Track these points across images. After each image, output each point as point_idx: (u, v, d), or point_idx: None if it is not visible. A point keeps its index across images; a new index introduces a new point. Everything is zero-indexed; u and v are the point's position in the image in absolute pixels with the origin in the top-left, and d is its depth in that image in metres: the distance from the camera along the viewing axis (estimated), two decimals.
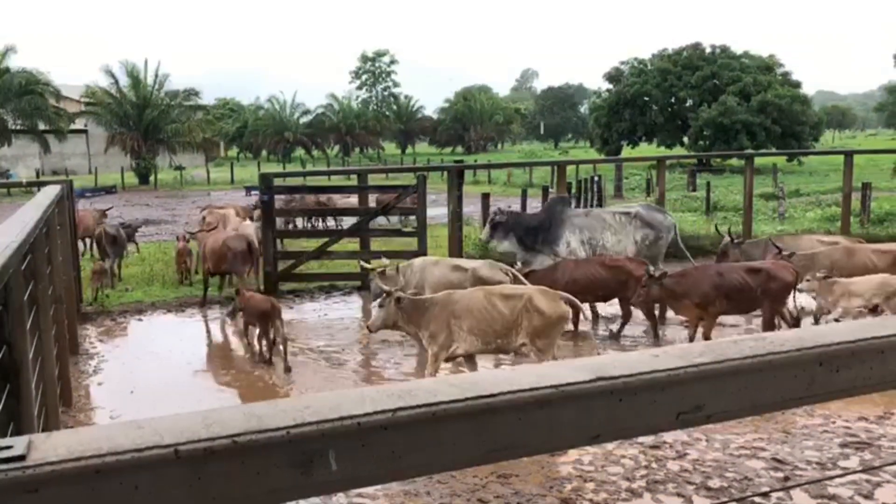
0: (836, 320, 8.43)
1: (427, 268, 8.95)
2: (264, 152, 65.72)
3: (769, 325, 8.17)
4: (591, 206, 23.30)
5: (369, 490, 4.85)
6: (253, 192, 26.12)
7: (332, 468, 0.99)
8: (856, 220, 16.18)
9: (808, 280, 8.48)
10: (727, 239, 10.35)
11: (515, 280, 8.46)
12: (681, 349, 1.27)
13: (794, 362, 1.25)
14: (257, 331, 8.38)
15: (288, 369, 8.00)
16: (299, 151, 65.40)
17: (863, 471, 5.12)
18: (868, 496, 4.90)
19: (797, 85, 44.71)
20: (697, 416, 1.20)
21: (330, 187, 18.12)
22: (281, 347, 8.18)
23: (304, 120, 67.21)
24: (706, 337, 8.10)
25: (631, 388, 1.15)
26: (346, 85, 78.84)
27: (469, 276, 8.55)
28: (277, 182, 12.74)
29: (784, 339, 1.30)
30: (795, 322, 8.39)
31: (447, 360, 7.01)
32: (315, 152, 65.48)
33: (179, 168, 45.74)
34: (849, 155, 15.56)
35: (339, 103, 68.82)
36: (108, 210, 15.91)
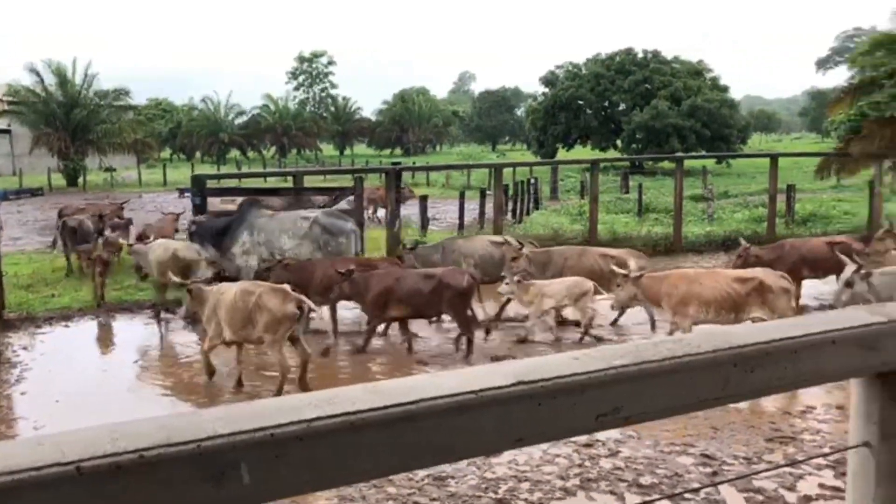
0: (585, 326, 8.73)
1: (158, 248, 10.23)
2: (198, 154, 64.43)
3: (466, 329, 8.27)
4: (528, 207, 23.61)
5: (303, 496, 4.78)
6: (186, 195, 25.55)
7: (245, 481, 0.97)
8: (781, 221, 16.72)
9: (506, 284, 8.71)
10: (404, 244, 10.50)
11: (210, 265, 9.72)
12: (601, 351, 1.28)
13: (710, 363, 1.27)
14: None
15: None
16: (234, 153, 64.33)
17: (787, 465, 5.29)
18: (791, 488, 5.06)
19: (725, 89, 46.03)
20: (616, 417, 1.21)
21: (266, 189, 17.82)
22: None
23: (239, 121, 66.19)
24: (368, 337, 8.43)
25: (550, 392, 1.15)
26: (283, 86, 77.79)
27: (170, 255, 9.95)
28: (212, 184, 12.51)
29: (701, 340, 1.33)
30: (481, 328, 8.47)
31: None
32: (251, 154, 64.50)
33: (110, 170, 44.45)
34: (773, 158, 16.10)
35: (275, 104, 67.97)
36: (124, 203, 16.13)
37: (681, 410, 1.30)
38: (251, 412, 1.03)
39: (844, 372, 1.43)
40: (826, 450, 5.58)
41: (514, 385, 1.14)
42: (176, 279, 8.44)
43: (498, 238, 10.47)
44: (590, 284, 8.74)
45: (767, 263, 9.34)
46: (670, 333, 8.06)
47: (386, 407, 1.07)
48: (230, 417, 1.00)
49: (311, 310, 7.42)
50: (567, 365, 1.21)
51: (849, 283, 7.49)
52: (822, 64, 79.46)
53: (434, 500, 5.00)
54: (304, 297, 7.38)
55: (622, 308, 8.82)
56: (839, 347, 1.37)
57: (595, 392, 1.19)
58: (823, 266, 9.77)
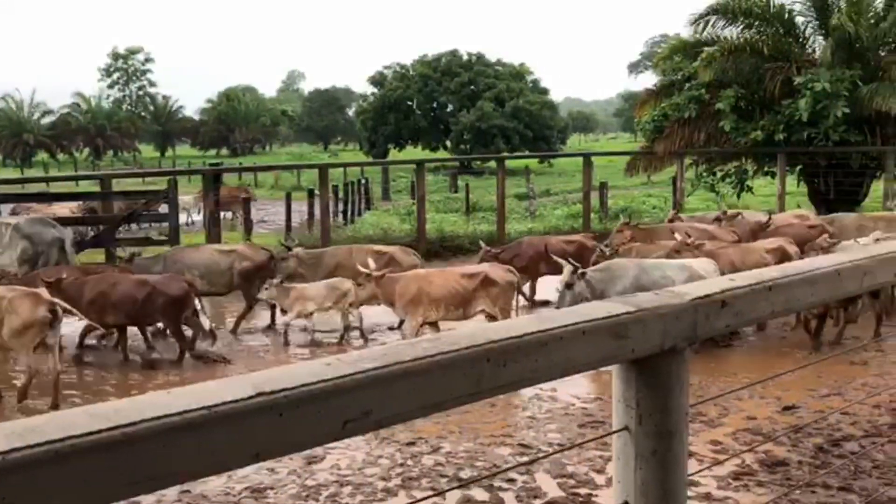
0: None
1: None
2: None
3: (179, 338, 8.27)
4: (360, 208, 23.54)
5: None
6: None
7: None
8: (596, 217, 17.68)
9: (266, 288, 8.89)
10: (120, 256, 10.09)
11: None
12: (356, 356, 1.25)
13: (464, 360, 1.27)
14: None
15: None
16: (42, 155, 59.64)
17: (557, 452, 5.54)
18: (600, 471, 5.32)
19: (546, 92, 48.21)
20: (366, 422, 1.18)
21: (74, 194, 16.63)
22: None
23: (46, 121, 61.47)
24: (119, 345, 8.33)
25: (293, 401, 1.10)
26: (95, 84, 72.81)
27: None
28: (7, 189, 11.48)
29: (458, 337, 1.33)
30: (209, 335, 8.46)
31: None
32: (61, 156, 60.06)
33: None
34: (587, 157, 17.00)
35: (87, 103, 63.77)
36: None
37: (435, 409, 1.29)
38: None
39: (596, 361, 1.48)
40: (592, 435, 5.89)
41: (252, 397, 1.08)
42: None
43: (225, 247, 10.00)
44: (349, 284, 8.69)
45: (507, 261, 9.59)
46: (403, 336, 8.27)
47: (101, 431, 0.98)
48: None
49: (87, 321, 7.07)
50: (314, 372, 1.16)
51: (568, 286, 7.74)
52: (634, 68, 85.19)
53: None
54: (60, 301, 7.03)
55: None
56: (589, 338, 1.42)
57: (343, 398, 1.15)
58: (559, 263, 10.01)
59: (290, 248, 9.67)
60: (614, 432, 1.66)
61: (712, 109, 16.38)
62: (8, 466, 0.90)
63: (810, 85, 14.90)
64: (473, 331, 1.35)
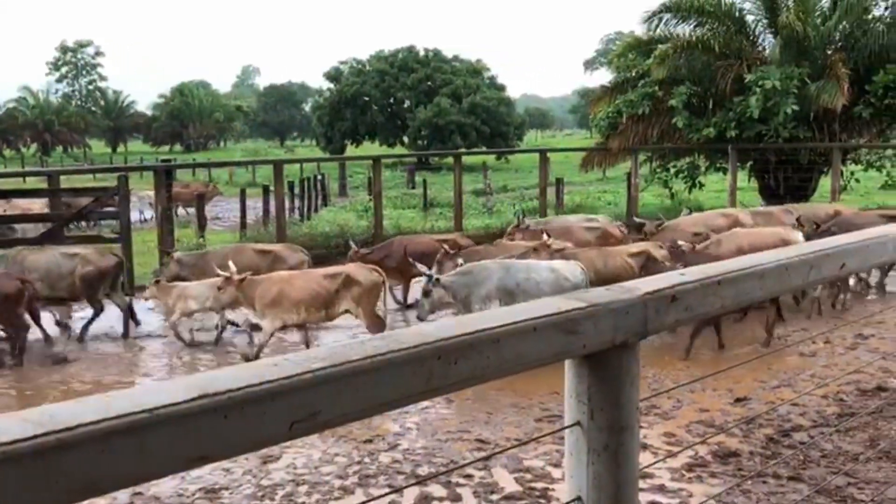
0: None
1: None
2: None
3: (16, 336, 8.16)
4: (316, 204, 23.35)
5: None
6: None
7: None
8: (553, 212, 17.79)
9: (148, 285, 8.93)
10: None
11: None
12: (304, 355, 1.23)
13: (413, 358, 1.26)
14: None
15: None
16: None
17: (526, 442, 5.58)
18: (557, 465, 5.36)
19: (502, 88, 48.38)
20: (314, 423, 1.16)
21: (21, 191, 16.18)
22: None
23: None
24: None
25: (237, 403, 1.08)
26: (44, 77, 71.16)
27: None
28: None
29: (408, 336, 1.31)
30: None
31: None
32: (7, 152, 58.51)
33: None
34: (542, 153, 17.10)
35: (34, 97, 62.21)
36: None
37: (385, 408, 1.28)
38: None
39: (548, 357, 1.48)
40: (548, 429, 5.94)
41: (195, 399, 1.05)
42: None
43: (70, 250, 9.54)
44: None
45: (376, 262, 9.50)
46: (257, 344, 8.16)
47: (35, 437, 0.94)
48: None
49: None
50: (260, 373, 1.14)
51: (425, 293, 7.76)
52: (590, 65, 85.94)
53: None
54: None
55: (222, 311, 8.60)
56: (541, 334, 1.42)
57: (290, 398, 1.13)
58: (431, 263, 9.24)
59: (168, 252, 9.55)
60: (566, 427, 1.67)
61: (665, 106, 16.60)
62: None
63: (760, 82, 15.20)
64: (424, 329, 1.34)
